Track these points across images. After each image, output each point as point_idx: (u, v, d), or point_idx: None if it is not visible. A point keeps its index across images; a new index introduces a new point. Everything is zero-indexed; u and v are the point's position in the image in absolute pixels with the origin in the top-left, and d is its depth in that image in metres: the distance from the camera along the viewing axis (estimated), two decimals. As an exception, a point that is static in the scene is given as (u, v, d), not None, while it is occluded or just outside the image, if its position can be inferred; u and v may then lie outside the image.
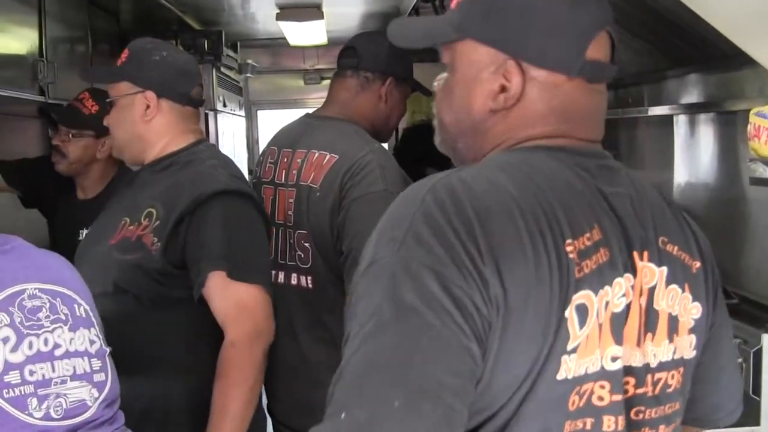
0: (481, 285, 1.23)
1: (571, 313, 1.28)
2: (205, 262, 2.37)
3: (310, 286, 2.71)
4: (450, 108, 1.51)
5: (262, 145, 8.78)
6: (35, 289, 1.86)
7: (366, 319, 1.22)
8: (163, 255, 2.38)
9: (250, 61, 7.77)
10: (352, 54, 2.92)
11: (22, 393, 1.73)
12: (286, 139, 2.93)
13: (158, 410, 2.42)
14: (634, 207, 1.43)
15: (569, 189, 1.36)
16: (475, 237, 1.24)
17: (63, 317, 1.86)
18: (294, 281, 2.75)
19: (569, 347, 1.28)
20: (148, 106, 2.54)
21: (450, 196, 1.28)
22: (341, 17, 6.03)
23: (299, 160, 2.77)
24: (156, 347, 2.45)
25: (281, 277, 2.76)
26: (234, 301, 2.39)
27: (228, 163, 2.66)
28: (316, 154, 2.73)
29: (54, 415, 1.77)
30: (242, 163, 7.71)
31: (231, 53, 6.91)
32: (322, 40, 6.97)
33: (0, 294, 1.80)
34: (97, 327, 1.93)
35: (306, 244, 2.69)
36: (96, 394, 1.85)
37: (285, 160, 2.83)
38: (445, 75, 1.52)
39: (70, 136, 3.63)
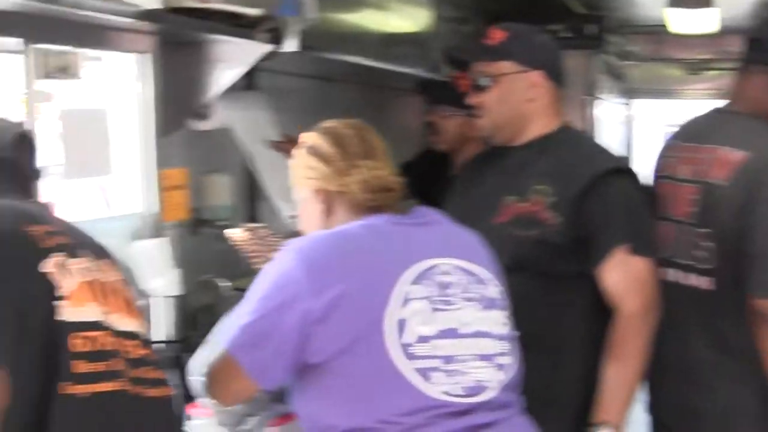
0: None
1: None
2: (610, 237, 2.40)
3: (708, 287, 2.52)
4: None
5: (637, 134, 8.64)
6: (451, 265, 1.89)
7: None
8: (565, 230, 2.40)
9: (632, 48, 7.53)
10: (759, 47, 2.65)
11: (428, 366, 1.77)
12: (691, 133, 2.73)
13: (554, 385, 2.43)
14: None
15: None
16: None
17: (476, 296, 1.88)
18: (688, 281, 2.58)
19: None
20: (532, 86, 2.52)
21: None
22: (736, 5, 5.65)
23: (705, 156, 2.56)
24: (552, 322, 2.46)
25: (672, 274, 2.60)
26: (633, 275, 2.41)
27: (604, 147, 2.66)
28: (724, 151, 2.51)
29: (454, 392, 1.78)
30: (618, 151, 7.53)
31: (614, 39, 6.73)
32: (713, 28, 6.58)
33: (417, 265, 1.84)
34: (507, 310, 1.94)
35: (708, 244, 2.50)
36: (498, 377, 1.85)
37: (688, 155, 2.64)
38: None
39: (446, 113, 3.63)
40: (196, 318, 2.99)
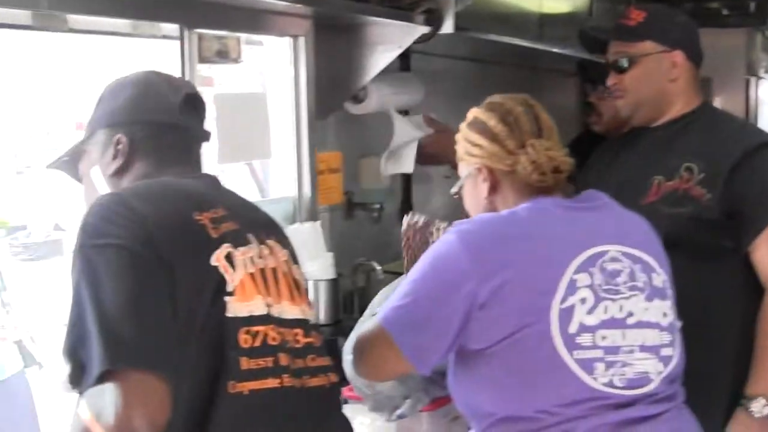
0: None
1: None
2: (762, 212, 2.40)
3: None
4: None
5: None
6: (620, 252, 1.81)
7: None
8: (716, 205, 2.40)
9: (794, 25, 7.17)
10: None
11: (591, 357, 1.71)
12: None
13: (708, 362, 2.34)
14: None
15: None
16: None
17: (640, 285, 1.80)
18: None
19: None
20: (673, 66, 2.53)
21: None
22: None
23: None
24: (705, 300, 2.40)
25: None
26: None
27: (750, 123, 2.70)
28: None
29: (616, 383, 1.72)
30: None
31: (776, 16, 6.43)
32: None
33: (586, 252, 1.77)
34: (671, 299, 1.86)
35: None
36: (660, 368, 1.78)
37: None
38: None
39: (605, 95, 3.54)
40: (350, 301, 3.00)
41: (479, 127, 1.93)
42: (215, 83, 2.60)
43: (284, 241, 1.72)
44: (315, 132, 2.89)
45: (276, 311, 1.58)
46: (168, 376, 1.37)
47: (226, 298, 1.49)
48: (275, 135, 2.83)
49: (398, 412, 2.13)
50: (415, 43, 2.88)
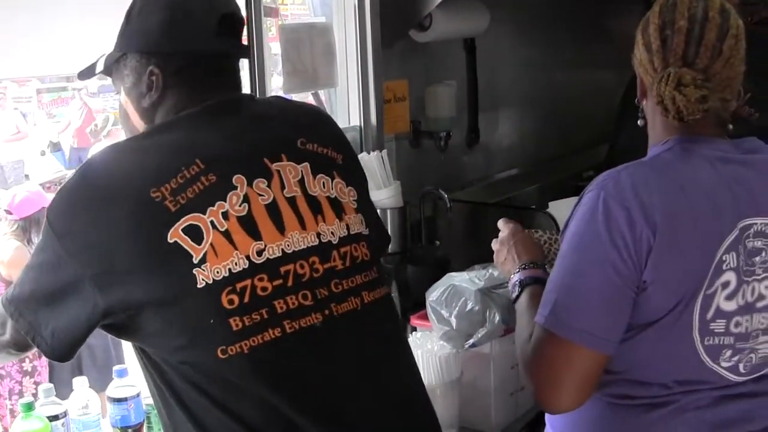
0: None
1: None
2: None
3: None
4: None
5: None
6: (764, 224, 1.57)
7: None
8: None
9: None
10: None
11: (721, 344, 1.57)
12: None
13: None
14: None
15: None
16: None
17: None
18: None
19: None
20: None
21: None
22: None
23: None
24: None
25: None
26: None
27: None
28: None
29: (741, 370, 1.60)
30: None
31: None
32: None
33: (737, 226, 1.55)
34: None
35: None
36: None
37: None
38: None
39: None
40: (417, 230, 3.00)
41: (644, 24, 1.62)
42: (281, 14, 2.59)
43: (302, 153, 1.56)
44: (380, 61, 2.87)
45: (274, 251, 1.45)
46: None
47: (195, 270, 1.39)
48: (341, 64, 2.83)
49: (471, 341, 2.12)
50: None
